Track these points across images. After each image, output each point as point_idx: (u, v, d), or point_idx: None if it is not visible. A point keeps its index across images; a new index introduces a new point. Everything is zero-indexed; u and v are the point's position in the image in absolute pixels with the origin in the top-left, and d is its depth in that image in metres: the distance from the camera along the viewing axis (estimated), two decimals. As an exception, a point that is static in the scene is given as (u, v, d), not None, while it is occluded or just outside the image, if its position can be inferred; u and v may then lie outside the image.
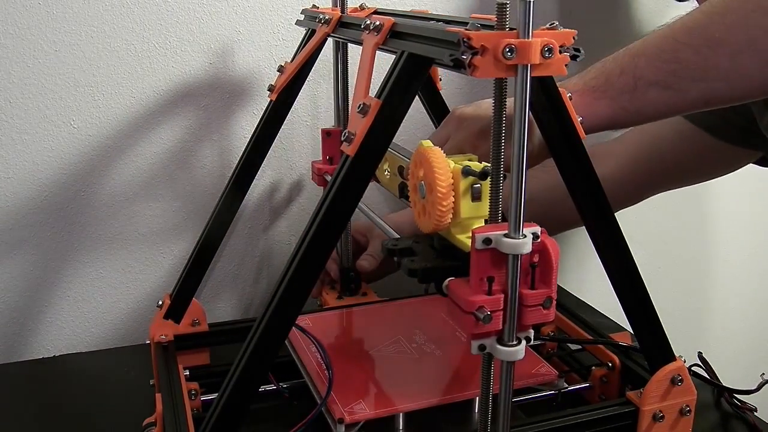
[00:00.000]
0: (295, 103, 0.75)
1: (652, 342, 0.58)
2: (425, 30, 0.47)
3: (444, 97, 0.77)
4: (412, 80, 0.48)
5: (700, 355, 0.76)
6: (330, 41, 0.76)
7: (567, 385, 0.67)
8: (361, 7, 0.72)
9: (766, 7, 0.56)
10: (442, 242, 0.52)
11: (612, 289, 0.57)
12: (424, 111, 0.78)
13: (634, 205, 0.97)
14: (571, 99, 0.52)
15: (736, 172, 0.96)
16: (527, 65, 0.42)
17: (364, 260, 0.87)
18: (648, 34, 0.62)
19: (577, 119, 0.52)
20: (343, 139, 0.49)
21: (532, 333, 0.47)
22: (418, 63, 0.48)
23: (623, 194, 0.94)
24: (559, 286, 0.47)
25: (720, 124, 0.90)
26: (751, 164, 0.95)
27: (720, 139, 0.91)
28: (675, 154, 0.93)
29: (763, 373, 0.73)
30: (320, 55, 0.73)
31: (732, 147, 0.91)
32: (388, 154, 0.62)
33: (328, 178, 0.82)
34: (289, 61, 0.74)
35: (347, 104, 0.84)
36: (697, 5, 0.63)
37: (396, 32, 0.52)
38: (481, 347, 0.46)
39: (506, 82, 0.44)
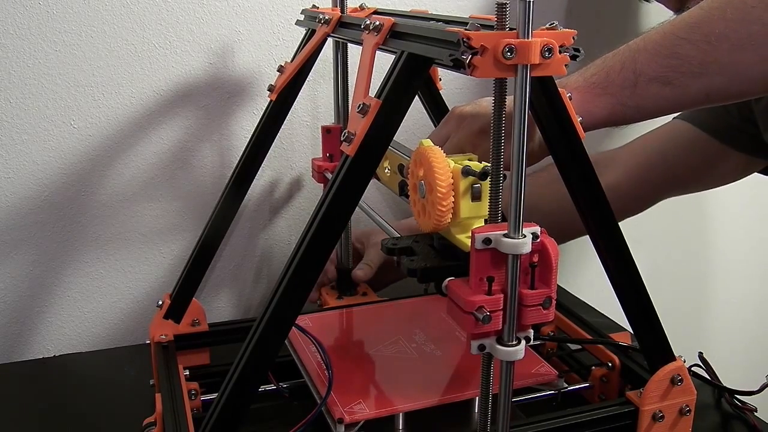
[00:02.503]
0: (295, 102, 0.75)
1: (651, 342, 0.58)
2: (425, 30, 0.47)
3: (444, 97, 0.77)
4: (411, 80, 0.48)
5: (700, 355, 0.76)
6: (330, 41, 0.76)
7: (567, 385, 0.67)
8: (361, 7, 0.72)
9: (767, 2, 0.56)
10: (442, 242, 0.52)
11: (612, 288, 0.57)
12: (424, 111, 0.78)
13: (642, 212, 0.96)
14: (570, 99, 0.52)
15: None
16: (527, 65, 0.42)
17: (360, 269, 0.87)
18: (648, 30, 0.62)
19: (577, 119, 0.52)
20: (342, 139, 0.49)
21: (531, 333, 0.47)
22: (418, 63, 0.48)
23: (632, 202, 0.93)
24: (558, 286, 0.47)
25: (729, 131, 0.90)
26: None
27: (729, 146, 0.91)
28: (683, 160, 0.93)
29: (768, 375, 0.73)
30: (320, 55, 0.73)
31: (741, 155, 0.91)
32: (389, 152, 0.62)
33: (328, 175, 0.82)
34: (289, 61, 0.74)
35: (347, 104, 0.84)
36: None
37: (396, 32, 0.52)
38: (481, 347, 0.46)
39: (506, 82, 0.44)
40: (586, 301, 0.96)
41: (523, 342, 0.46)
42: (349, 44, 0.81)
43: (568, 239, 0.90)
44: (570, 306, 0.81)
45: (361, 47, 0.55)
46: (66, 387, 0.82)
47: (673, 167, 0.93)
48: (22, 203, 0.86)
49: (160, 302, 0.75)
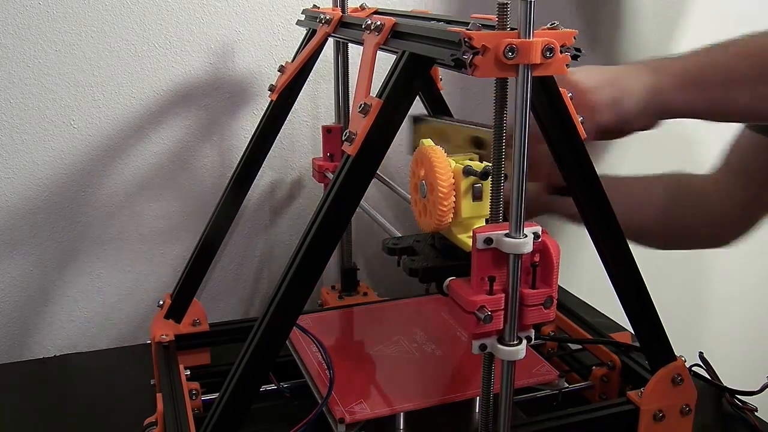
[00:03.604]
0: (295, 102, 0.75)
1: (652, 342, 0.58)
2: (426, 30, 0.47)
3: (444, 97, 0.77)
4: (413, 80, 0.48)
5: (701, 355, 0.76)
6: (330, 41, 0.76)
7: (567, 385, 0.67)
8: (362, 7, 0.72)
9: None
10: (443, 242, 0.52)
11: (612, 288, 0.57)
12: (425, 111, 0.78)
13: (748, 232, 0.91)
14: (572, 98, 0.52)
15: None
16: (528, 65, 0.42)
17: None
18: (743, 36, 0.62)
19: (578, 119, 0.52)
20: (344, 139, 0.49)
21: (532, 332, 0.47)
22: (419, 63, 0.48)
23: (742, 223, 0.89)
24: (559, 285, 0.47)
25: None
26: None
27: None
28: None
29: (769, 375, 0.73)
30: (321, 55, 0.73)
31: None
32: (450, 126, 0.60)
33: (329, 175, 0.82)
34: (289, 61, 0.74)
35: (348, 104, 0.84)
36: None
37: (397, 32, 0.52)
38: (482, 347, 0.47)
39: (507, 82, 0.44)
40: (587, 301, 0.96)
41: (524, 342, 0.47)
42: (349, 44, 0.81)
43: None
44: (571, 306, 0.81)
45: (361, 47, 0.55)
46: (66, 387, 0.82)
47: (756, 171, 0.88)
48: (22, 203, 0.86)
49: (161, 302, 0.75)
